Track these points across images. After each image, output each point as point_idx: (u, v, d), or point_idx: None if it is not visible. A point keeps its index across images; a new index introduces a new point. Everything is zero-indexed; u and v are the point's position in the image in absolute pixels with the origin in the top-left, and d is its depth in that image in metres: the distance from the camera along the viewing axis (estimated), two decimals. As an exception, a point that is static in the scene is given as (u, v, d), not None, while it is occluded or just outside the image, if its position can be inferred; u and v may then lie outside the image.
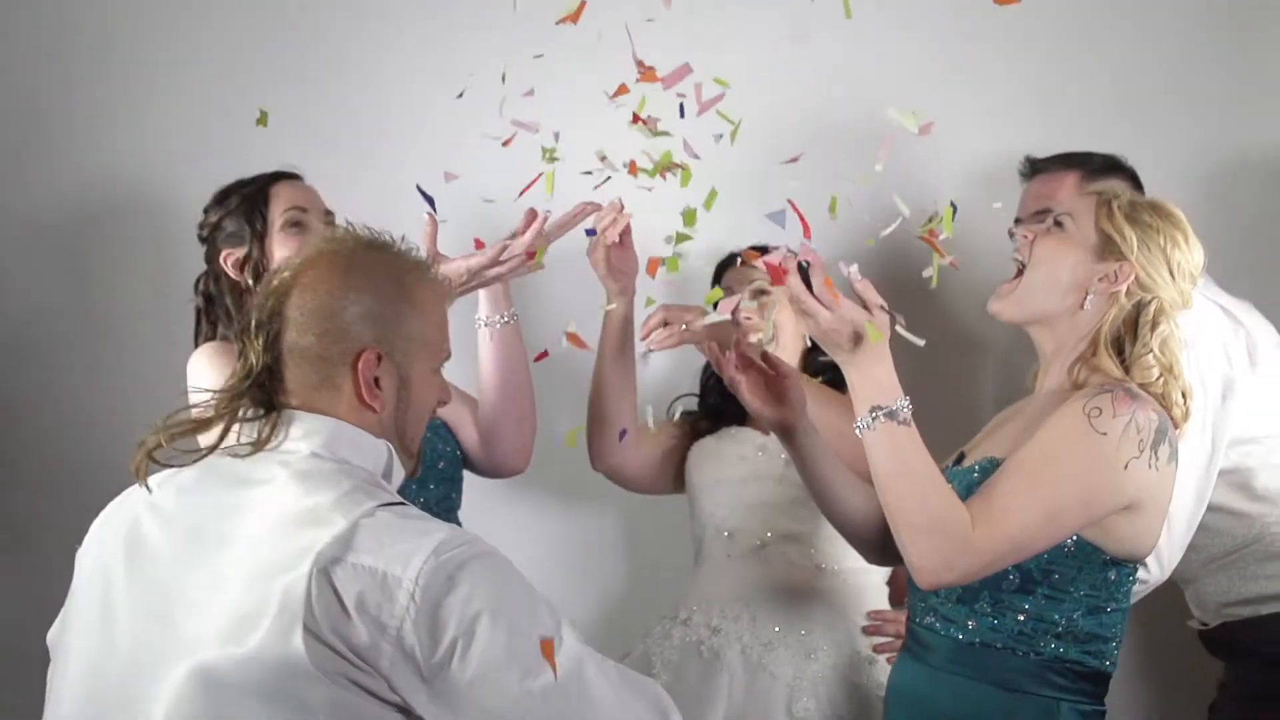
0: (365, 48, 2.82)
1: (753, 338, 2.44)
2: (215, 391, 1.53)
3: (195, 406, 1.55)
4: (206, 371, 2.12)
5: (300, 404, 1.52)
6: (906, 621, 2.01)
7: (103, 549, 1.54)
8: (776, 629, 2.33)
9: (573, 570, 2.87)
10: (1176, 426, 1.90)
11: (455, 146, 2.55)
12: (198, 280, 2.31)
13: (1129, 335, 1.93)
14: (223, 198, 2.29)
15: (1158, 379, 1.90)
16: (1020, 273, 1.98)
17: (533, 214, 2.12)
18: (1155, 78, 2.77)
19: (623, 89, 1.96)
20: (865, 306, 1.81)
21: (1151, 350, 1.90)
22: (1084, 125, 2.73)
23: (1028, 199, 2.51)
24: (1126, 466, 1.81)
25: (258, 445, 1.50)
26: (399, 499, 1.50)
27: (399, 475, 1.59)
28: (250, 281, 2.23)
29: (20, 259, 2.85)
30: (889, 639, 2.34)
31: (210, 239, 2.29)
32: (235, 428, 1.52)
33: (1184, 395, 1.92)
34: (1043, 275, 1.96)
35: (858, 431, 1.82)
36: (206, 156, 2.70)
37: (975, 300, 2.29)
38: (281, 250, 2.23)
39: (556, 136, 2.05)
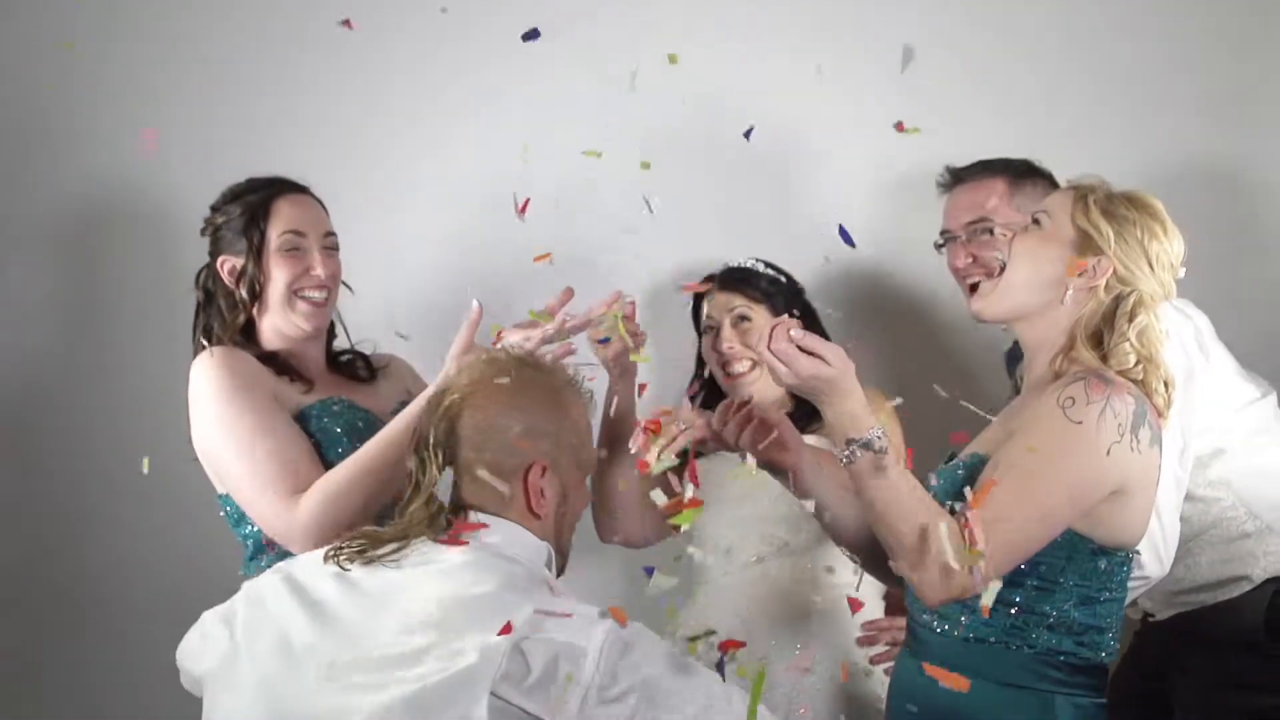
0: (369, 48, 2.80)
1: (736, 367, 2.45)
2: (404, 502, 1.78)
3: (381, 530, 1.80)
4: (213, 377, 2.14)
5: (477, 509, 1.76)
6: (906, 621, 2.04)
7: (278, 605, 1.75)
8: (773, 642, 2.33)
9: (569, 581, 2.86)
10: (1161, 415, 1.92)
11: (459, 147, 2.55)
12: (199, 272, 2.32)
13: (1106, 327, 1.94)
14: (229, 200, 2.28)
15: (1135, 365, 1.92)
16: (1001, 271, 2.01)
17: (567, 294, 2.17)
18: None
19: None
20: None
21: (1128, 339, 1.92)
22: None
23: (957, 209, 2.54)
24: (1109, 452, 1.82)
25: (450, 540, 1.74)
26: (560, 590, 1.75)
27: (552, 571, 1.82)
28: (244, 294, 2.24)
29: (22, 259, 2.84)
30: (885, 649, 2.35)
31: (212, 239, 2.30)
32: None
33: (1166, 384, 1.94)
34: (1022, 272, 1.98)
35: (844, 465, 1.87)
36: (209, 157, 2.68)
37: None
38: (278, 270, 2.23)
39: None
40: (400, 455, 1.97)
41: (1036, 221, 2.00)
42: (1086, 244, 1.94)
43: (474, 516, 1.76)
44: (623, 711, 1.61)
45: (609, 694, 1.61)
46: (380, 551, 1.75)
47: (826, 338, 2.55)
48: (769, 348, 1.85)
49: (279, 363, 2.23)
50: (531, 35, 2.37)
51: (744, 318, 2.52)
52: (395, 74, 2.82)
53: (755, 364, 2.49)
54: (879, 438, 1.83)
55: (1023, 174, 2.52)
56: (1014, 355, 2.54)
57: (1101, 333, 1.94)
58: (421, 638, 1.63)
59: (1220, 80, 2.86)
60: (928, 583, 1.81)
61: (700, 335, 2.62)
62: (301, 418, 2.18)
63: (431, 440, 1.77)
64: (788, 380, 1.86)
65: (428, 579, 1.70)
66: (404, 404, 2.30)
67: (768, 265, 2.58)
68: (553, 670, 1.59)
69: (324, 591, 1.73)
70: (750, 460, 1.94)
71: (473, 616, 1.63)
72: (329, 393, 2.26)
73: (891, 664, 2.32)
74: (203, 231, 2.30)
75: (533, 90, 2.80)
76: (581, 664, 1.59)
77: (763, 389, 2.51)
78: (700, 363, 2.65)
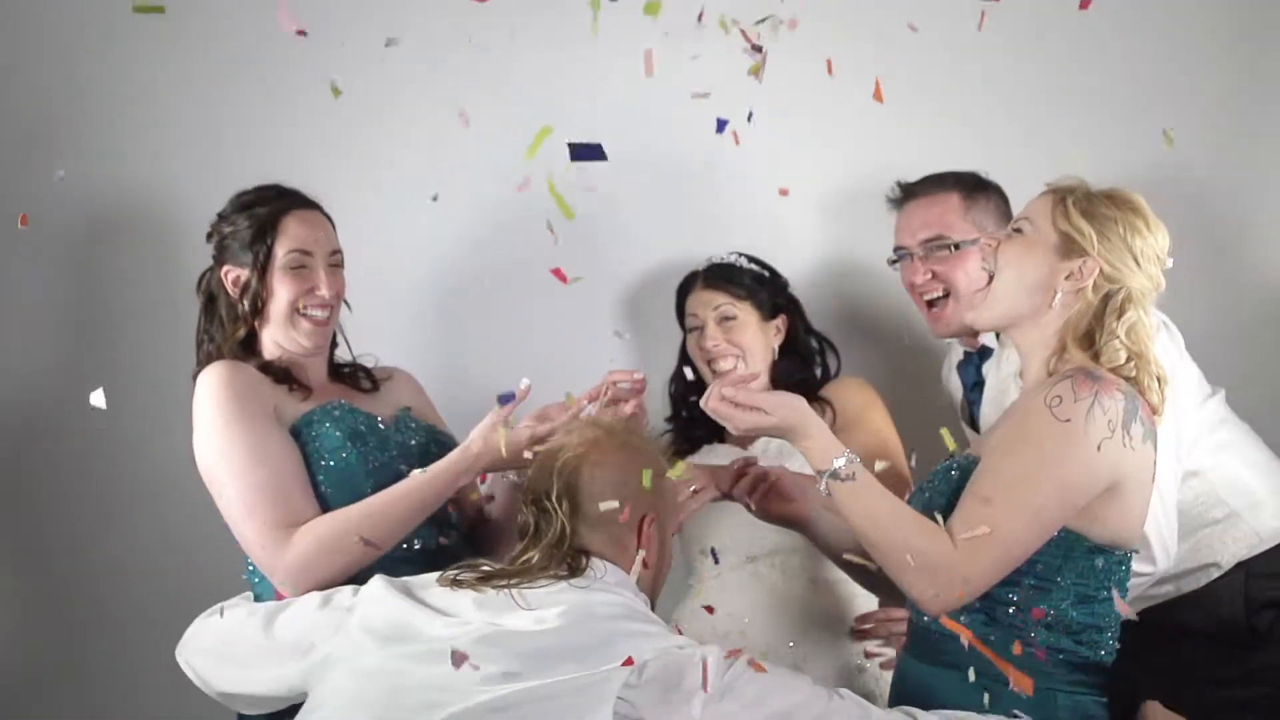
0: (373, 51, 2.75)
1: (722, 364, 2.47)
2: (531, 547, 1.90)
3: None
4: (215, 394, 2.13)
5: (600, 555, 1.89)
6: (908, 619, 2.05)
7: (397, 602, 1.86)
8: (768, 641, 2.35)
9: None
10: (1156, 412, 1.94)
11: (462, 148, 2.56)
12: (202, 276, 2.31)
13: (1097, 326, 1.95)
14: (237, 209, 2.26)
15: (1127, 362, 1.93)
16: (990, 281, 2.03)
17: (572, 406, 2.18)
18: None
19: None
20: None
21: (1118, 337, 1.93)
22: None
23: (912, 225, 2.54)
24: (1099, 448, 1.84)
25: (571, 573, 1.86)
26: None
27: None
28: (245, 307, 2.23)
29: (25, 263, 2.82)
30: (880, 642, 2.38)
31: (217, 247, 2.28)
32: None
33: (1159, 380, 1.95)
34: (1009, 280, 2.00)
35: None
36: (213, 160, 2.69)
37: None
38: (281, 288, 2.22)
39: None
40: (411, 510, 2.07)
41: (1019, 230, 2.01)
42: (1070, 246, 1.95)
43: (593, 562, 1.88)
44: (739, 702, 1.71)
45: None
46: (500, 582, 1.85)
47: (809, 329, 2.58)
48: (706, 408, 1.94)
49: (279, 372, 2.23)
50: None
51: (728, 316, 2.54)
52: (400, 77, 2.81)
53: (740, 360, 2.52)
54: (843, 465, 1.88)
55: (975, 188, 2.54)
56: (972, 362, 2.57)
57: (1093, 332, 1.95)
58: (549, 641, 1.75)
59: (1213, 85, 2.89)
60: (926, 598, 1.85)
61: (685, 332, 2.63)
62: (302, 423, 2.17)
63: (554, 492, 1.90)
64: (743, 431, 1.95)
65: (551, 597, 1.82)
66: (406, 410, 2.32)
67: (751, 260, 2.59)
68: (674, 680, 1.70)
69: (445, 598, 1.86)
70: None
71: (599, 633, 1.76)
72: (329, 398, 2.25)
73: (886, 658, 2.34)
74: (209, 238, 2.29)
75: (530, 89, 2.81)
76: (699, 675, 1.70)
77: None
78: (682, 359, 2.66)
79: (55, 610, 2.81)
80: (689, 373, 2.56)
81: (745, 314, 2.53)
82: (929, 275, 2.50)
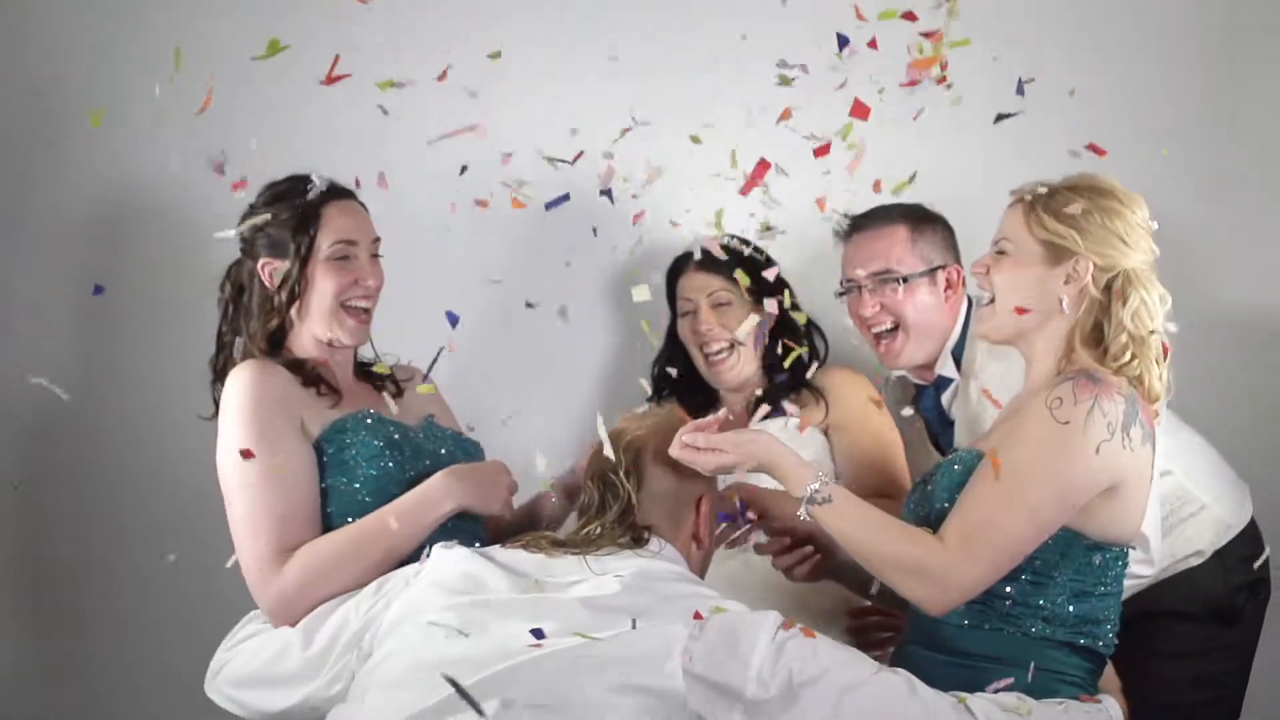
0: (384, 43, 2.73)
1: (714, 347, 2.49)
2: (595, 520, 2.01)
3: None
4: (241, 404, 2.08)
5: (657, 531, 1.99)
6: (907, 609, 2.08)
7: (472, 563, 1.93)
8: None
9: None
10: (1158, 399, 1.97)
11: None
12: (230, 268, 2.25)
13: (1104, 317, 1.97)
14: (272, 200, 2.20)
15: (1131, 360, 1.95)
16: (991, 301, 2.07)
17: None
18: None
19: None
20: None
21: (1125, 329, 1.95)
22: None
23: (860, 258, 2.54)
24: (1098, 450, 1.86)
25: (634, 543, 1.96)
26: None
27: None
28: (284, 298, 2.18)
29: (38, 261, 2.78)
30: (877, 637, 2.41)
31: (252, 239, 2.21)
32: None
33: (1156, 364, 1.97)
34: (1010, 302, 2.03)
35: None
36: (226, 155, 2.58)
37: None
38: (324, 279, 2.17)
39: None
40: (387, 555, 2.05)
41: (1002, 251, 2.03)
42: (1057, 252, 1.98)
43: (653, 538, 1.98)
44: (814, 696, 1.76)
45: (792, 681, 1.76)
46: (569, 549, 1.95)
47: (796, 305, 2.55)
48: (673, 454, 2.00)
49: (309, 374, 2.18)
50: None
51: (722, 302, 2.55)
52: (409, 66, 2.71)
53: (733, 345, 2.54)
54: (818, 489, 1.92)
55: (921, 220, 2.55)
56: (928, 394, 2.60)
57: (1101, 326, 1.97)
58: (615, 600, 1.82)
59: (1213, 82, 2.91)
60: (926, 601, 1.90)
61: (675, 315, 2.64)
62: (334, 429, 2.14)
63: (623, 468, 2.00)
64: (714, 471, 2.01)
65: (617, 562, 1.91)
66: (430, 417, 2.30)
67: (743, 242, 2.59)
68: (732, 641, 1.76)
69: (515, 557, 1.95)
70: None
71: (662, 593, 1.84)
72: (357, 405, 2.20)
73: (879, 653, 2.37)
74: (240, 230, 2.22)
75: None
76: (758, 636, 1.77)
77: (739, 371, 2.58)
78: (669, 341, 2.67)
79: (59, 611, 2.79)
80: (673, 372, 2.59)
81: (740, 298, 2.55)
82: (877, 308, 2.51)
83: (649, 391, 2.64)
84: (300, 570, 2.03)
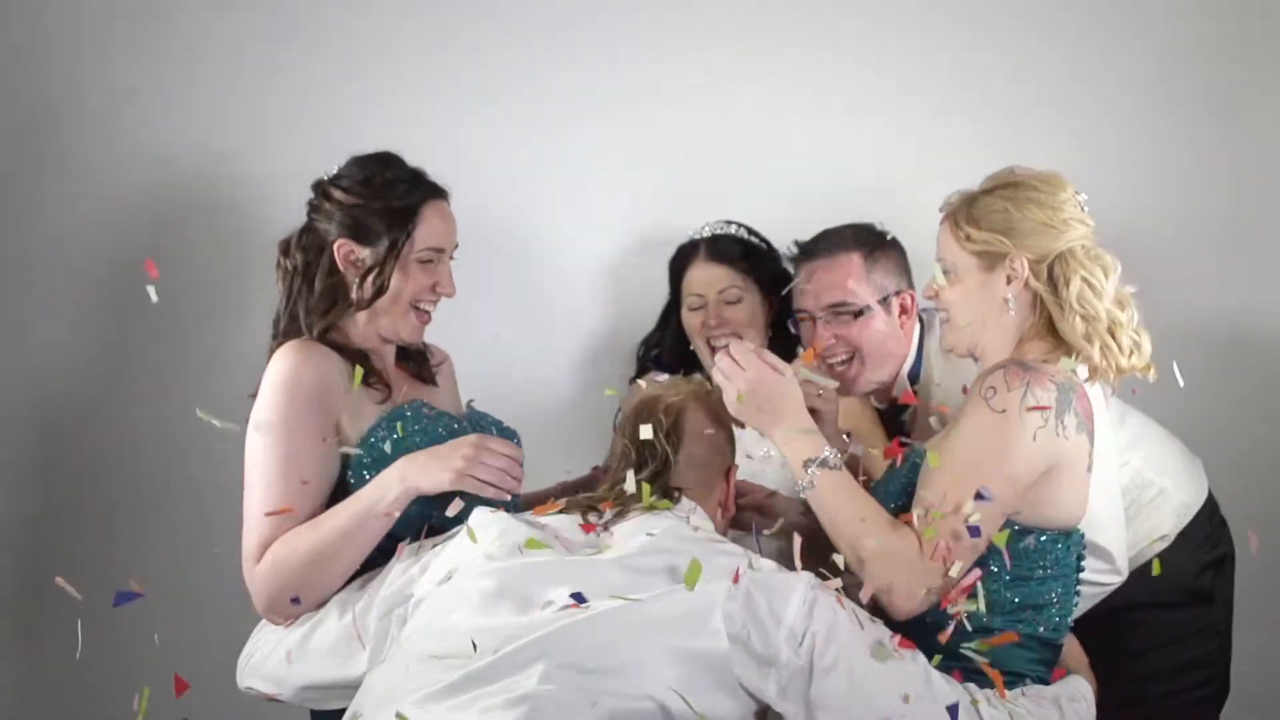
0: (409, 37, 2.84)
1: (722, 341, 2.51)
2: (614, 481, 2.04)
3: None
4: (281, 389, 2.04)
5: (688, 493, 2.02)
6: None
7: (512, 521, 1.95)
8: None
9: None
10: (1122, 373, 1.99)
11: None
12: (298, 236, 2.16)
13: (1054, 307, 1.99)
14: (364, 183, 2.13)
15: (1089, 341, 1.97)
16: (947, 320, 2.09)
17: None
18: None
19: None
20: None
21: (1075, 311, 1.97)
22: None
23: (815, 290, 2.50)
24: (1035, 438, 1.88)
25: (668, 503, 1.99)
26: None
27: None
28: (369, 290, 2.11)
29: (65, 258, 2.80)
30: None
31: (331, 213, 2.14)
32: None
33: (1111, 333, 1.98)
34: (962, 316, 2.05)
35: (801, 494, 1.98)
36: (260, 153, 2.71)
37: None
38: (407, 279, 2.13)
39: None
40: (367, 533, 2.02)
41: (946, 271, 2.04)
42: (990, 258, 2.00)
43: (683, 499, 2.01)
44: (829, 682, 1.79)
45: (815, 663, 1.79)
46: (601, 511, 1.99)
47: (788, 292, 2.57)
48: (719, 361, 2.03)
49: (369, 364, 2.12)
50: None
51: (732, 300, 2.57)
52: (434, 60, 2.85)
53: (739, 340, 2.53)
54: (834, 454, 1.94)
55: (875, 247, 2.51)
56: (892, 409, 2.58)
57: (1053, 316, 1.99)
58: (649, 560, 1.84)
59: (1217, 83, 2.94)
60: (896, 588, 1.88)
61: (679, 303, 2.65)
62: (393, 416, 2.10)
63: (664, 430, 2.04)
64: (732, 400, 2.02)
65: (651, 520, 1.93)
66: (470, 403, 2.31)
67: (750, 232, 2.61)
68: (763, 602, 1.80)
69: (552, 519, 1.98)
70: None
71: (696, 552, 1.84)
72: (407, 396, 2.17)
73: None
74: (317, 203, 2.15)
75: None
76: (789, 600, 1.80)
77: None
78: (664, 323, 2.69)
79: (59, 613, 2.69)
80: (665, 377, 2.60)
81: (749, 293, 2.57)
82: (833, 340, 2.48)
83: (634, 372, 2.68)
84: (270, 565, 2.01)
